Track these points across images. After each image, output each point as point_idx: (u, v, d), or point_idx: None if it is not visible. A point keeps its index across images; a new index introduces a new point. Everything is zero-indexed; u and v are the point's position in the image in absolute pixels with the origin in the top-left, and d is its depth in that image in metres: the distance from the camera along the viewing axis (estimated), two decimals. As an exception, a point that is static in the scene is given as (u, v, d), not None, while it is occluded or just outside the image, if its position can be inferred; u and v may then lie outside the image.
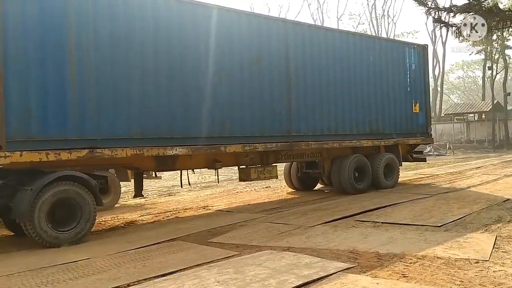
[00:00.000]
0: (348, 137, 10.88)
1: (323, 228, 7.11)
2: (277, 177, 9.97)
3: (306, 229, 7.06)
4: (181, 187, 10.88)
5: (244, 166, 9.72)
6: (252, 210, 9.26)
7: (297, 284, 4.32)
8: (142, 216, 9.27)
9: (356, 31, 14.86)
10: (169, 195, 12.49)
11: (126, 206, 10.82)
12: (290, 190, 12.38)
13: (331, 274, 4.62)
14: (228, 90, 8.68)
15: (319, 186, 12.67)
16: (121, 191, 10.77)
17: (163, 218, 8.97)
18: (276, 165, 9.95)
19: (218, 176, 9.84)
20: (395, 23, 66.63)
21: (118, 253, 6.06)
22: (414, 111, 12.51)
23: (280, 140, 9.47)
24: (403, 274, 4.62)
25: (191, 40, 8.21)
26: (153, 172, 9.89)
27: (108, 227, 8.29)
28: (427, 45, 13.50)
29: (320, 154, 10.94)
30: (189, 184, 10.31)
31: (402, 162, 12.72)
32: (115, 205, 10.52)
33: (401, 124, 12.20)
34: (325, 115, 10.42)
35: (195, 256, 5.65)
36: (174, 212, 9.54)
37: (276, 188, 13.18)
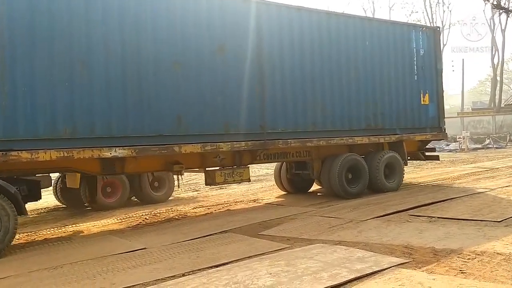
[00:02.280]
0: (338, 133, 9.39)
1: (375, 223, 6.98)
2: (249, 180, 8.78)
3: (358, 223, 6.96)
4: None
5: (213, 168, 8.48)
6: (302, 203, 9.23)
7: (350, 278, 4.28)
8: (195, 208, 9.51)
9: (348, 13, 12.26)
10: (220, 188, 12.69)
11: (179, 199, 11.14)
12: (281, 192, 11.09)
13: (384, 269, 4.53)
14: (183, 82, 7.50)
15: (316, 187, 11.22)
16: (175, 185, 11.09)
17: (215, 210, 9.16)
18: (249, 167, 8.69)
19: (178, 180, 9.24)
20: (450, 11, 63.75)
21: (173, 244, 6.25)
22: (422, 102, 10.88)
23: (251, 138, 8.20)
24: (460, 270, 4.46)
25: (131, 24, 7.04)
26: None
27: (163, 218, 8.57)
28: (438, 28, 11.90)
29: (308, 153, 9.58)
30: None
31: (416, 160, 11.71)
32: (169, 198, 10.87)
33: (405, 118, 10.57)
34: (309, 109, 9.01)
35: (247, 248, 5.73)
36: (225, 205, 9.71)
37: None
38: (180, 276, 4.72)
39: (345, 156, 9.53)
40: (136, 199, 10.72)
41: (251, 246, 5.84)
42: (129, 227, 7.98)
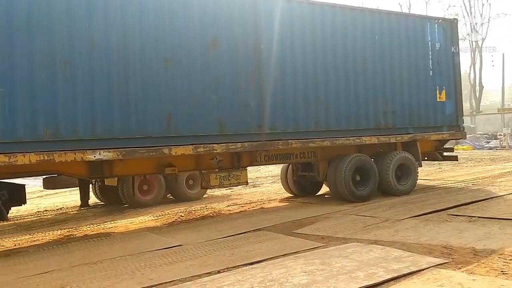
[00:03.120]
0: (344, 133, 8.86)
1: (412, 222, 6.84)
2: (247, 183, 8.44)
3: (394, 223, 6.85)
4: (133, 194, 9.56)
5: (208, 171, 8.04)
6: (336, 202, 9.15)
7: (387, 278, 4.22)
8: (229, 206, 9.59)
9: (355, 5, 10.16)
10: (254, 187, 12.75)
11: (213, 196, 11.26)
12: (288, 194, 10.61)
13: (423, 269, 4.44)
14: (173, 79, 7.13)
15: (325, 190, 10.46)
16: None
17: (248, 208, 9.21)
18: (246, 169, 8.30)
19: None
20: (490, 4, 61.41)
21: (208, 241, 6.33)
22: (438, 99, 10.15)
23: (249, 139, 7.74)
24: (502, 271, 4.32)
25: (117, 19, 6.70)
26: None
27: (198, 216, 8.69)
28: (456, 20, 11.02)
29: (313, 154, 9.08)
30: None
31: (433, 161, 11.12)
32: (203, 196, 11.01)
33: (419, 116, 9.90)
34: (312, 108, 8.51)
35: (281, 246, 5.74)
36: (259, 203, 9.75)
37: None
38: (216, 273, 4.78)
39: (352, 156, 8.97)
40: (171, 197, 10.91)
41: (285, 244, 5.84)
42: (165, 224, 8.14)
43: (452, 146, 11.45)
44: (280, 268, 4.66)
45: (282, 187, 10.69)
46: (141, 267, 5.14)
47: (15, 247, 6.86)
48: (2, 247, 6.87)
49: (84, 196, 8.41)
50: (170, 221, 8.34)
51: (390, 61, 9.53)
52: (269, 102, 7.98)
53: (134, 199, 9.92)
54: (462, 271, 4.38)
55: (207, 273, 4.80)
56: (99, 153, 6.47)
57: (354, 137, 8.96)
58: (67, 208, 10.66)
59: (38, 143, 6.14)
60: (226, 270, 4.87)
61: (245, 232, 6.76)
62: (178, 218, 8.60)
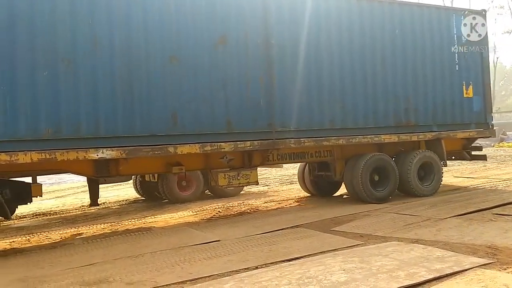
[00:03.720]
0: (361, 131, 8.49)
1: (455, 221, 6.65)
2: (257, 183, 8.25)
3: (436, 222, 6.67)
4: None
5: (217, 170, 7.89)
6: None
7: (428, 278, 4.12)
8: (266, 203, 9.63)
9: None
10: (291, 183, 12.74)
11: (250, 193, 11.34)
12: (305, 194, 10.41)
13: (466, 270, 4.32)
14: (179, 77, 6.97)
15: (343, 190, 9.94)
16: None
17: (285, 205, 9.22)
18: (256, 169, 8.08)
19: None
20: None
21: (246, 236, 6.39)
22: (465, 95, 9.65)
23: (258, 138, 7.53)
24: (552, 274, 4.13)
25: (121, 16, 6.60)
26: None
27: (236, 212, 8.78)
28: (484, 11, 10.35)
29: (329, 153, 8.79)
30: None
31: (461, 160, 10.60)
32: (241, 192, 11.10)
33: (444, 113, 9.42)
34: (326, 105, 8.17)
35: (319, 244, 5.72)
36: (296, 200, 9.74)
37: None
38: (254, 269, 4.82)
39: (370, 155, 8.62)
40: (209, 193, 11.06)
41: (324, 242, 5.81)
42: (203, 219, 8.27)
43: (480, 145, 10.85)
44: (318, 266, 4.64)
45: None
46: (181, 261, 5.25)
47: (61, 239, 7.16)
48: (49, 240, 7.18)
49: (94, 195, 8.24)
50: (209, 217, 8.46)
51: (412, 56, 9.11)
52: (280, 99, 7.73)
53: (173, 195, 10.13)
54: (508, 272, 4.23)
55: (245, 268, 4.84)
56: (102, 152, 6.38)
57: (372, 135, 8.57)
58: (109, 202, 11.02)
59: (39, 142, 6.10)
60: (264, 266, 4.90)
61: (282, 229, 6.77)
62: (216, 213, 8.71)
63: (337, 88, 8.32)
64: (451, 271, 4.27)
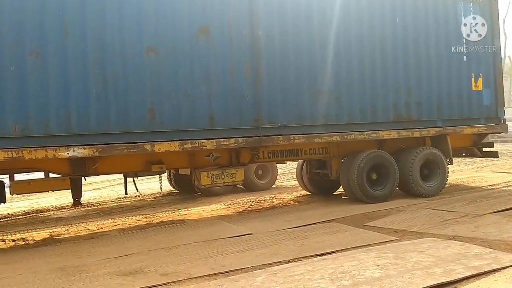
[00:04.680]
0: (358, 127, 7.98)
1: (494, 218, 6.45)
2: (242, 182, 7.98)
3: (474, 218, 6.49)
4: (126, 194, 8.93)
5: (201, 169, 7.52)
6: (410, 195, 8.81)
7: (466, 275, 4.03)
8: (298, 197, 9.62)
9: None
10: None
11: (282, 187, 11.36)
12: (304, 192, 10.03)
13: (505, 267, 4.19)
14: (157, 70, 6.60)
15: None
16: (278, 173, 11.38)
17: (317, 199, 9.15)
18: (243, 167, 7.70)
19: (161, 183, 8.22)
20: None
21: (278, 230, 6.41)
22: (474, 88, 9.01)
23: (244, 134, 7.11)
24: None
25: (93, 4, 6.26)
26: None
27: (267, 206, 8.80)
28: None
29: (325, 150, 8.33)
30: (137, 190, 9.11)
31: (472, 157, 9.96)
32: (272, 186, 11.13)
33: (450, 107, 8.81)
34: (320, 99, 7.67)
35: (352, 239, 5.67)
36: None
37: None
38: (286, 263, 4.83)
39: (367, 153, 8.13)
40: (241, 186, 11.12)
41: (357, 237, 5.76)
42: (235, 212, 8.34)
43: (491, 141, 10.18)
44: (352, 261, 4.60)
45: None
46: (214, 254, 5.32)
47: (98, 230, 7.38)
48: (88, 230, 7.42)
49: (76, 194, 7.73)
50: (241, 210, 8.52)
51: (415, 46, 8.51)
52: (268, 93, 7.30)
53: (206, 188, 10.23)
54: (550, 271, 4.06)
55: (277, 262, 4.86)
56: (73, 150, 6.08)
57: (369, 132, 8.05)
58: (144, 195, 11.26)
59: (7, 140, 5.84)
60: (296, 260, 4.91)
61: (314, 223, 6.76)
62: (248, 207, 8.76)
63: (332, 81, 7.80)
64: (490, 269, 4.16)
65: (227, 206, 9.00)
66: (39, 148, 5.94)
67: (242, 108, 7.14)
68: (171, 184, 11.57)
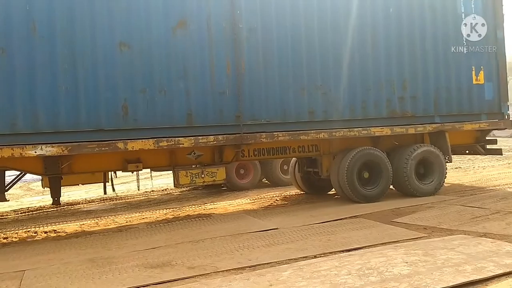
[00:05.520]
0: (347, 124, 7.65)
1: (527, 215, 6.26)
2: (224, 181, 7.72)
3: (506, 215, 6.34)
4: (104, 193, 8.87)
5: (180, 167, 7.21)
6: (440, 191, 8.64)
7: (497, 273, 3.93)
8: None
9: None
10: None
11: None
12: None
13: (539, 266, 4.06)
14: (129, 66, 6.39)
15: None
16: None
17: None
18: (224, 166, 7.41)
19: (138, 182, 7.99)
20: None
21: (304, 226, 6.40)
22: (475, 82, 8.55)
23: (224, 132, 6.87)
24: None
25: None
26: None
27: (293, 201, 8.79)
28: None
29: (315, 147, 8.01)
30: (113, 189, 8.93)
31: (474, 155, 9.59)
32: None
33: (449, 102, 8.38)
34: (306, 94, 7.36)
35: (380, 235, 5.62)
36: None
37: (467, 168, 12.07)
38: (312, 258, 4.83)
39: (358, 150, 7.79)
40: (266, 181, 11.15)
41: (384, 233, 5.70)
42: (261, 207, 8.37)
43: (495, 138, 9.69)
44: (380, 257, 4.56)
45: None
46: (240, 248, 5.35)
47: (126, 223, 7.53)
48: (116, 223, 7.58)
49: (55, 194, 7.47)
50: (266, 205, 8.54)
51: (410, 38, 8.10)
52: (250, 88, 7.03)
53: (231, 182, 10.31)
54: None
55: (303, 257, 4.86)
56: (41, 149, 5.92)
57: (360, 128, 7.69)
58: (171, 189, 11.41)
59: None
60: (322, 255, 4.90)
61: (341, 219, 6.72)
62: (274, 202, 8.78)
63: (319, 76, 7.48)
64: (523, 267, 4.03)
65: (253, 201, 9.04)
66: (5, 147, 5.82)
67: (222, 104, 6.90)
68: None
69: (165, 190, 11.23)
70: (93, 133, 6.23)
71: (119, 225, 7.44)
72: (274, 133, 7.16)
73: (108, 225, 7.45)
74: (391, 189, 8.32)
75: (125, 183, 12.99)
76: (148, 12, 6.52)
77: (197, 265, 4.78)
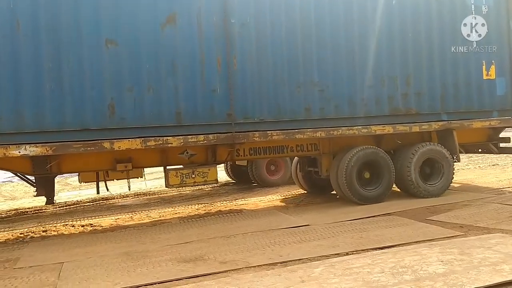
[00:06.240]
0: (346, 122, 7.32)
1: None
2: (216, 182, 7.46)
3: (547, 214, 6.09)
4: (97, 192, 8.55)
5: (170, 167, 7.13)
6: (476, 189, 8.45)
7: (538, 274, 3.78)
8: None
9: None
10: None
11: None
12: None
13: None
14: (116, 63, 6.23)
15: None
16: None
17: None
18: (215, 166, 7.28)
19: (129, 183, 7.72)
20: None
21: (335, 222, 6.36)
22: (486, 77, 8.08)
23: (214, 131, 6.66)
24: None
25: None
26: None
27: (324, 198, 8.71)
28: None
29: (314, 146, 7.70)
30: (107, 189, 8.51)
31: (487, 153, 9.10)
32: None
33: (457, 99, 7.95)
34: (302, 91, 7.08)
35: (414, 233, 5.53)
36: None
37: (505, 165, 11.67)
38: (344, 255, 4.80)
39: (358, 149, 7.47)
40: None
41: (419, 231, 5.60)
42: (292, 204, 8.33)
43: (508, 136, 9.02)
44: (414, 255, 4.49)
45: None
46: (271, 244, 5.38)
47: (159, 218, 7.69)
48: (150, 218, 7.75)
49: (49, 193, 7.38)
50: (297, 201, 8.50)
51: (414, 31, 7.68)
52: (242, 86, 6.81)
53: (262, 179, 10.35)
54: None
55: (335, 254, 4.84)
56: (25, 149, 5.86)
57: (360, 127, 7.36)
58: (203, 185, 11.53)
59: None
60: (355, 252, 4.86)
61: (373, 216, 6.63)
62: (305, 198, 8.72)
63: (315, 72, 7.18)
64: None
65: (284, 197, 9.04)
66: None
67: (213, 102, 6.69)
68: (228, 175, 11.78)
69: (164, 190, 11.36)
70: (79, 133, 6.13)
71: (153, 219, 7.59)
72: (268, 132, 6.93)
73: (142, 220, 7.62)
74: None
75: (157, 179, 13.23)
76: (136, 7, 6.35)
77: (229, 260, 4.84)
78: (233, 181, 11.74)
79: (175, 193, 10.50)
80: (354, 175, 7.45)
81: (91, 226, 7.30)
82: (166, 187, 7.44)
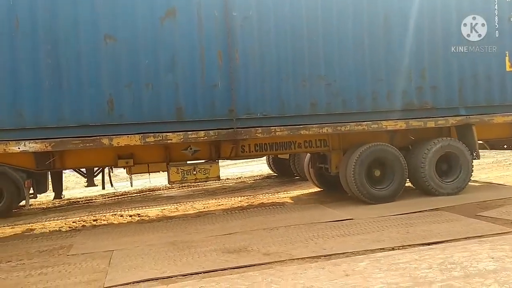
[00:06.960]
0: (355, 117, 7.00)
1: None
2: (219, 178, 7.23)
3: None
4: (103, 188, 9.19)
5: (173, 163, 6.97)
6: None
7: None
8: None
9: None
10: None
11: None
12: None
13: None
14: (114, 59, 6.17)
15: None
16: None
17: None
18: (217, 162, 7.07)
19: (131, 178, 7.70)
20: None
21: (380, 217, 6.26)
22: (508, 69, 7.60)
23: (215, 127, 6.51)
24: None
25: None
26: None
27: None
28: None
29: (323, 142, 7.44)
30: (111, 185, 8.55)
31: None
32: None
33: (476, 92, 7.52)
34: (307, 85, 6.82)
35: (463, 229, 5.36)
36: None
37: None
38: (390, 250, 4.73)
39: (368, 146, 7.17)
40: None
41: (468, 227, 5.42)
42: (334, 198, 8.24)
43: None
44: (463, 252, 4.36)
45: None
46: (314, 237, 5.36)
47: (204, 209, 7.84)
48: (194, 209, 7.92)
49: (57, 188, 7.48)
50: (339, 195, 8.40)
51: (430, 20, 7.27)
52: (245, 80, 6.63)
53: (304, 172, 10.28)
54: None
55: (380, 248, 4.77)
56: (24, 145, 5.94)
57: (369, 122, 7.04)
58: (245, 177, 11.66)
59: None
60: (401, 247, 4.78)
61: (420, 211, 6.47)
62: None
63: (321, 65, 6.91)
64: None
65: (326, 191, 8.95)
66: None
67: (214, 98, 6.55)
68: (270, 168, 11.82)
69: (239, 178, 11.49)
70: (78, 129, 6.16)
71: (197, 210, 7.75)
72: (271, 127, 6.73)
73: (187, 211, 7.79)
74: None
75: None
76: (134, 1, 6.29)
77: (272, 251, 4.87)
78: (275, 174, 11.77)
79: (218, 185, 10.66)
80: (363, 173, 7.19)
81: (139, 216, 7.54)
82: (168, 183, 7.40)
